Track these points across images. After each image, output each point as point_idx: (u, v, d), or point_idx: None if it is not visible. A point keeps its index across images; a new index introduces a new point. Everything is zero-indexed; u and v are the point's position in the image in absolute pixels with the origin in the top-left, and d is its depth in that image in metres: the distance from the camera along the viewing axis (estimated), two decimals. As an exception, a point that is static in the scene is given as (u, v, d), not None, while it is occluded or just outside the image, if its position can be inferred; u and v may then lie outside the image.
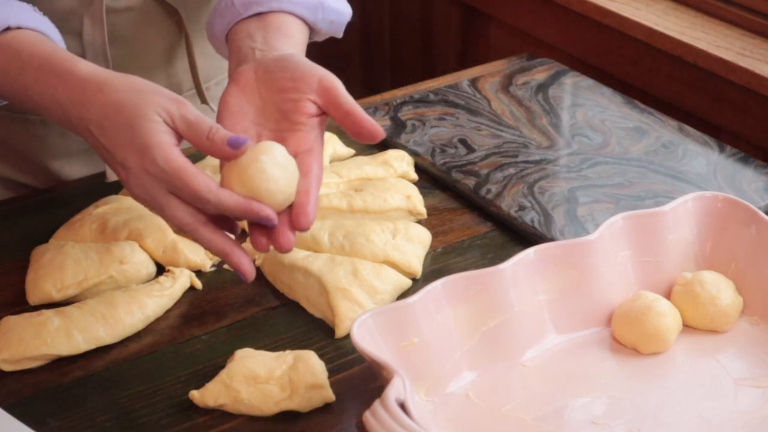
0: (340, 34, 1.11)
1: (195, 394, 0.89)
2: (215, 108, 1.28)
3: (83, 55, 1.15)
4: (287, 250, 0.87)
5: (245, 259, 0.87)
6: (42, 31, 0.96)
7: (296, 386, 0.89)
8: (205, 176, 0.84)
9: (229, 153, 0.85)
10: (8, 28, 0.94)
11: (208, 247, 0.87)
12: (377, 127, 0.89)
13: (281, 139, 0.90)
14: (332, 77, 0.90)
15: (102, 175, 1.22)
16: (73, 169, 1.25)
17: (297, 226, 0.87)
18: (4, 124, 1.20)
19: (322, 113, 0.91)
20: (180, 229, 0.87)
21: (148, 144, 0.84)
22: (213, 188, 0.84)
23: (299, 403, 0.89)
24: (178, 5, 1.18)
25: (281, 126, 0.92)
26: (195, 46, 1.22)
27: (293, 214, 0.87)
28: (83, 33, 1.14)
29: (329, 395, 0.89)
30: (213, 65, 1.29)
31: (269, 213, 0.85)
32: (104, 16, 1.13)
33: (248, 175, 0.85)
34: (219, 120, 0.92)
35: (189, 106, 0.87)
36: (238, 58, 0.98)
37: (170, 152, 0.84)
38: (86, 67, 0.90)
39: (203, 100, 1.27)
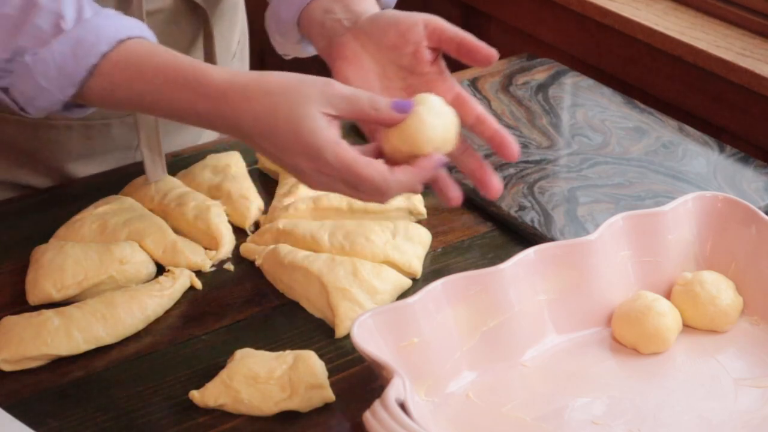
0: (392, 4, 1.07)
1: (195, 394, 0.89)
2: None
3: None
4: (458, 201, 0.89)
5: (452, 184, 0.88)
6: (147, 38, 0.93)
7: (296, 386, 0.89)
8: (377, 164, 0.84)
9: (398, 117, 0.84)
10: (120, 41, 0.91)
11: (414, 188, 0.86)
12: (490, 50, 0.90)
13: (416, 94, 0.89)
14: (433, 17, 0.92)
15: (102, 174, 1.22)
16: (93, 168, 1.25)
17: (507, 156, 0.90)
18: (26, 130, 1.19)
19: (437, 54, 0.93)
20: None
21: (316, 145, 0.83)
22: (387, 174, 0.83)
23: (299, 403, 0.89)
24: (203, 3, 1.19)
25: (409, 81, 0.94)
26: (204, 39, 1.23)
27: (498, 147, 0.90)
28: None
29: (329, 395, 0.89)
30: (221, 55, 1.29)
31: (441, 158, 0.85)
32: (144, 16, 1.12)
33: (408, 128, 0.85)
34: None
35: (338, 84, 0.85)
36: (324, 34, 0.97)
37: (339, 149, 0.83)
38: (219, 74, 0.87)
39: None
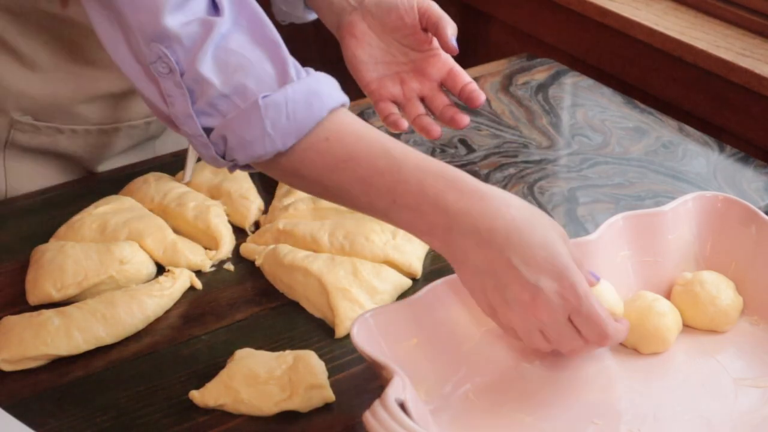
0: None
1: (195, 394, 0.89)
2: None
3: None
4: None
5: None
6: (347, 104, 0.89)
7: (296, 386, 0.89)
8: (605, 312, 0.85)
9: (593, 284, 0.88)
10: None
11: (614, 341, 0.87)
12: (452, 45, 0.99)
13: (419, 69, 1.03)
14: (425, 1, 1.01)
15: (102, 174, 1.22)
16: (121, 162, 1.26)
17: (472, 104, 1.01)
18: (78, 138, 1.20)
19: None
20: (562, 351, 0.87)
21: (568, 267, 0.83)
22: (611, 321, 0.85)
23: (299, 403, 0.89)
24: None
25: (412, 56, 1.03)
26: None
27: (467, 98, 1.00)
28: None
29: (329, 395, 0.89)
30: None
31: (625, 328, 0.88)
32: None
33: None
34: (355, 71, 1.02)
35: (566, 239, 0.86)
36: (333, 11, 1.04)
37: (584, 280, 0.84)
38: (470, 177, 0.85)
39: None
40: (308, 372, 0.90)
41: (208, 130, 0.84)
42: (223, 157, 0.86)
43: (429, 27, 1.00)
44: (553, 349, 0.87)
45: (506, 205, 0.83)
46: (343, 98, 0.87)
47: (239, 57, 0.83)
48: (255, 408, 0.89)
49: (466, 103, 1.01)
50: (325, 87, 0.86)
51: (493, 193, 0.84)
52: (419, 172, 0.83)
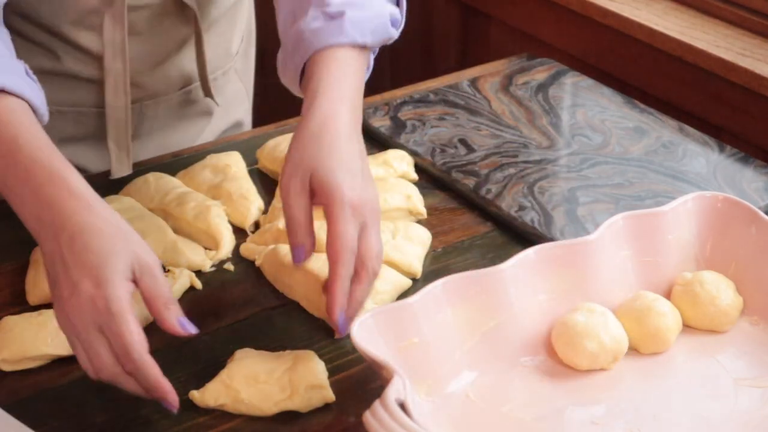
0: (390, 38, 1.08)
1: (195, 394, 0.89)
2: (219, 102, 1.28)
3: (102, 52, 1.17)
4: None
5: (173, 393, 0.85)
6: (32, 102, 0.93)
7: (296, 386, 0.89)
8: (142, 333, 0.83)
9: (177, 330, 0.85)
10: None
11: (130, 389, 0.85)
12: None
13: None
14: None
15: (102, 174, 1.22)
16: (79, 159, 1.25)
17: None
18: None
19: None
20: (95, 372, 0.84)
21: (109, 279, 0.83)
22: (142, 349, 0.82)
23: (299, 403, 0.89)
24: (192, 3, 1.19)
25: None
26: (204, 39, 1.23)
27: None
28: (104, 31, 1.16)
29: (329, 395, 0.89)
30: (220, 56, 1.30)
31: (173, 400, 0.85)
32: (125, 16, 1.14)
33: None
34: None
35: (160, 267, 0.87)
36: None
37: (124, 297, 0.83)
38: (80, 181, 0.88)
39: (207, 93, 1.28)
40: (308, 372, 0.90)
41: None
42: None
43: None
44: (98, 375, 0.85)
45: (88, 208, 0.86)
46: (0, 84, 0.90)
47: None
48: (255, 408, 0.89)
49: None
50: None
51: (86, 195, 0.87)
52: (30, 161, 0.88)
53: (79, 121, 1.23)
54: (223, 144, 1.27)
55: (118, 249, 0.84)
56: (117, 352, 0.83)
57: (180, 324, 0.85)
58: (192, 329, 0.86)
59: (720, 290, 0.97)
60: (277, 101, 1.44)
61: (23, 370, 0.94)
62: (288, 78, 1.05)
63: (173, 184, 1.14)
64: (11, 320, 0.96)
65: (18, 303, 1.01)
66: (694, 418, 0.88)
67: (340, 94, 0.97)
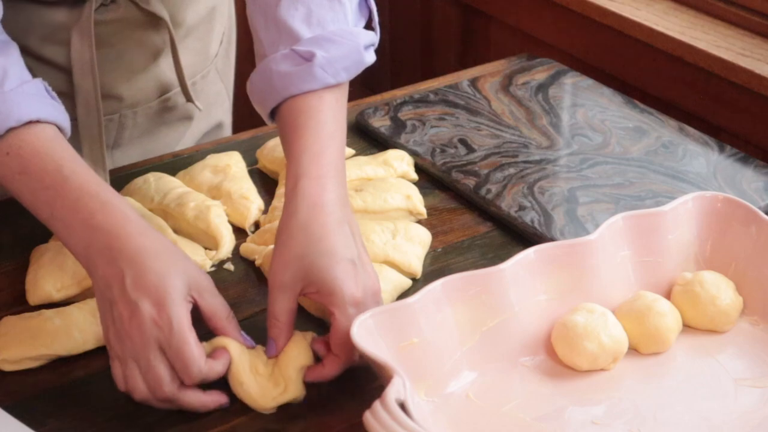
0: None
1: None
2: (200, 106, 1.28)
3: (70, 68, 1.15)
4: None
5: (224, 396, 0.89)
6: (60, 124, 0.95)
7: (287, 375, 0.89)
8: (201, 349, 0.86)
9: (241, 341, 0.90)
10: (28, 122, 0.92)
11: (192, 407, 0.88)
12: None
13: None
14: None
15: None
16: None
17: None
18: None
19: None
20: (152, 390, 0.87)
21: (172, 298, 0.85)
22: (203, 363, 0.86)
23: (296, 391, 0.89)
24: (162, 13, 1.18)
25: None
26: (179, 46, 1.22)
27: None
28: (72, 47, 1.14)
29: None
30: (198, 61, 1.29)
31: (226, 402, 0.89)
32: (92, 32, 1.13)
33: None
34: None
35: (214, 287, 0.90)
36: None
37: (184, 315, 0.86)
38: (130, 208, 0.91)
39: (188, 99, 1.27)
40: (290, 359, 0.90)
41: None
42: None
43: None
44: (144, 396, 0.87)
45: (140, 234, 0.88)
46: (33, 115, 0.91)
47: None
48: (254, 404, 0.89)
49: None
50: (11, 105, 0.91)
51: (138, 220, 0.89)
52: (79, 191, 0.89)
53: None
54: (223, 144, 1.28)
55: (176, 270, 0.87)
56: (177, 368, 0.86)
57: (243, 337, 0.91)
58: (251, 342, 0.91)
59: (720, 290, 0.97)
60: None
61: (23, 370, 0.94)
62: (256, 105, 1.03)
63: (173, 184, 1.14)
64: (11, 320, 0.96)
65: (18, 303, 1.01)
66: (694, 418, 0.88)
67: (323, 170, 0.94)
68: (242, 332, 0.91)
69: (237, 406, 0.90)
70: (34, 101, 0.93)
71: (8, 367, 0.93)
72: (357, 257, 0.91)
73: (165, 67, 1.24)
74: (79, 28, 1.13)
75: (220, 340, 0.90)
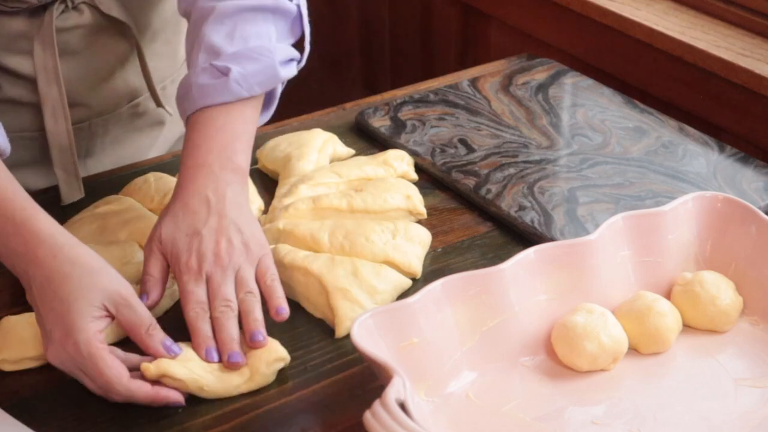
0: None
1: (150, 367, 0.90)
2: (171, 111, 1.28)
3: (35, 77, 1.15)
4: None
5: (173, 392, 0.90)
6: None
7: (255, 368, 0.91)
8: (119, 365, 0.87)
9: (162, 354, 0.90)
10: None
11: (134, 399, 0.89)
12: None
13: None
14: (175, 265, 0.97)
15: (102, 174, 1.22)
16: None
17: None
18: None
19: None
20: (106, 395, 0.89)
21: (78, 326, 0.87)
22: (124, 379, 0.87)
23: (261, 381, 0.91)
24: (126, 19, 1.18)
25: None
26: (146, 51, 1.22)
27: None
28: (34, 56, 1.14)
29: (286, 358, 0.92)
30: (167, 65, 1.28)
31: (178, 398, 0.89)
32: (55, 40, 1.13)
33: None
34: None
35: (135, 295, 0.91)
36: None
37: (93, 339, 0.87)
38: (46, 226, 0.91)
39: (158, 104, 1.27)
40: (260, 352, 0.91)
41: None
42: None
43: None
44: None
45: (52, 256, 0.89)
46: None
47: None
48: (214, 394, 0.90)
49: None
50: None
51: (51, 240, 0.90)
52: (3, 218, 0.91)
53: (25, 146, 1.20)
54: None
55: (85, 292, 0.88)
56: (102, 390, 0.88)
57: (165, 347, 0.90)
58: (176, 350, 0.90)
59: (720, 290, 0.97)
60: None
61: (23, 370, 0.94)
62: (179, 111, 1.08)
63: (173, 184, 1.14)
64: (11, 320, 0.96)
65: (18, 303, 1.01)
66: (694, 418, 0.88)
67: (200, 160, 1.01)
68: (167, 342, 0.90)
69: (238, 406, 0.90)
70: None
71: (8, 367, 0.93)
72: (205, 226, 0.96)
73: (132, 73, 1.24)
74: (41, 36, 1.12)
75: (159, 367, 0.89)
